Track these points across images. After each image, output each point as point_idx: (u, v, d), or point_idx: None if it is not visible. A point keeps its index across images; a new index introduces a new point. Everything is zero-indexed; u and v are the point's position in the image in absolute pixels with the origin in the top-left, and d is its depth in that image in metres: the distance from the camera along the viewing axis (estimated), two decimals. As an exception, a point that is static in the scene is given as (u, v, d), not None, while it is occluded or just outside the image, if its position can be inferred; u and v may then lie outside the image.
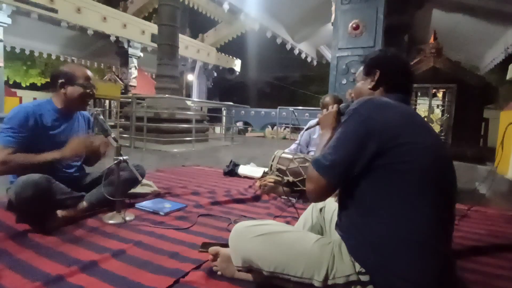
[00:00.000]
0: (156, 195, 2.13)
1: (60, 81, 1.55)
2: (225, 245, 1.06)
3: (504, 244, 1.51)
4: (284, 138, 9.89)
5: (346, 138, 0.81)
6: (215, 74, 15.78)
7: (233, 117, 9.30)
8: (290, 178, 2.21)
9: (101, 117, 1.63)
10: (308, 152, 2.72)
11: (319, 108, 2.56)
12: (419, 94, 6.60)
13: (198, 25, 14.62)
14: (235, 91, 19.10)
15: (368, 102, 0.82)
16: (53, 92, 1.61)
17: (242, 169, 3.09)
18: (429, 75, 5.75)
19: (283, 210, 1.98)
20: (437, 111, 7.20)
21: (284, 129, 10.82)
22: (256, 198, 2.22)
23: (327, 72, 3.46)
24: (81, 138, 1.53)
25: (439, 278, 0.73)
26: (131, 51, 10.75)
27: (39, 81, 15.92)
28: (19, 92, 12.97)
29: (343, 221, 0.88)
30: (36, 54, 11.46)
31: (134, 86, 11.01)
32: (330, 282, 0.80)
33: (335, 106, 1.13)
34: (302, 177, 2.17)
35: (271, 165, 2.36)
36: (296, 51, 11.19)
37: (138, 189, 2.01)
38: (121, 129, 5.93)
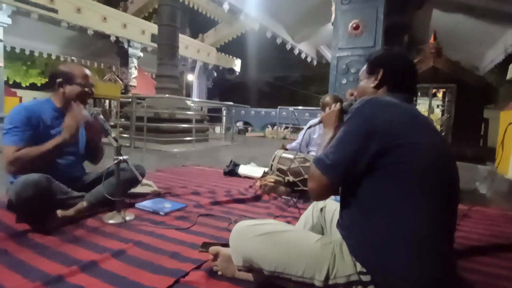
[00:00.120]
0: (156, 195, 2.12)
1: (58, 80, 1.55)
2: (226, 245, 1.06)
3: (505, 244, 1.51)
4: (284, 138, 9.89)
5: (349, 137, 0.80)
6: (215, 74, 15.78)
7: (233, 117, 9.29)
8: (291, 178, 2.22)
9: (101, 116, 1.63)
10: (308, 152, 2.72)
11: (319, 108, 2.56)
12: (419, 94, 6.60)
13: (198, 25, 14.62)
14: (235, 91, 19.10)
15: (371, 101, 0.82)
16: (52, 92, 1.60)
17: (242, 169, 3.09)
18: (429, 75, 5.75)
19: (284, 210, 1.97)
20: (437, 111, 7.20)
21: (284, 129, 10.82)
22: (257, 198, 2.22)
23: (327, 72, 3.46)
24: (68, 115, 1.52)
25: (439, 279, 0.73)
26: (131, 51, 10.76)
27: (39, 81, 15.92)
28: (19, 92, 12.96)
29: (345, 220, 0.87)
30: (36, 54, 11.46)
31: (134, 86, 11.01)
32: (331, 282, 0.80)
33: (338, 104, 1.12)
34: (302, 177, 2.17)
35: (272, 165, 2.36)
36: (296, 51, 11.19)
37: (138, 189, 2.01)
38: (121, 129, 5.93)
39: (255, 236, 0.90)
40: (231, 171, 3.10)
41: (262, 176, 2.64)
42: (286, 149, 2.53)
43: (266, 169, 2.54)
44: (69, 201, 1.55)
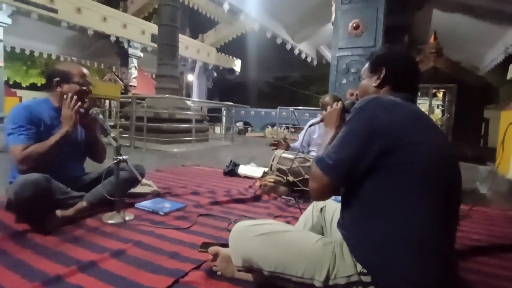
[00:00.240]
0: (156, 195, 2.12)
1: (56, 79, 1.55)
2: (225, 245, 1.05)
3: (505, 244, 1.51)
4: (284, 138, 9.88)
5: (351, 137, 0.80)
6: (215, 74, 15.78)
7: (233, 117, 9.29)
8: (291, 178, 2.21)
9: (101, 116, 1.63)
10: (308, 152, 2.72)
11: (319, 108, 2.56)
12: (419, 94, 6.60)
13: (198, 25, 14.62)
14: (235, 91, 19.09)
15: (373, 100, 0.81)
16: (50, 91, 1.60)
17: (242, 169, 3.09)
18: (429, 75, 5.75)
19: (283, 210, 1.97)
20: (437, 111, 7.20)
21: (284, 129, 10.81)
22: (256, 198, 2.22)
23: (327, 72, 3.45)
24: (64, 107, 1.52)
25: (440, 279, 0.72)
26: (131, 51, 10.76)
27: (39, 81, 15.93)
28: (19, 92, 12.99)
29: (345, 220, 0.87)
30: (36, 54, 11.47)
31: (134, 86, 11.02)
32: (331, 283, 0.80)
33: (340, 103, 1.11)
34: (302, 177, 2.17)
35: (271, 165, 2.36)
36: (296, 51, 11.20)
37: (138, 189, 2.00)
38: (121, 129, 5.93)
39: (255, 236, 0.89)
40: (231, 171, 3.10)
41: (262, 176, 2.64)
42: (288, 146, 2.53)
43: (266, 169, 2.54)
44: (69, 201, 1.55)
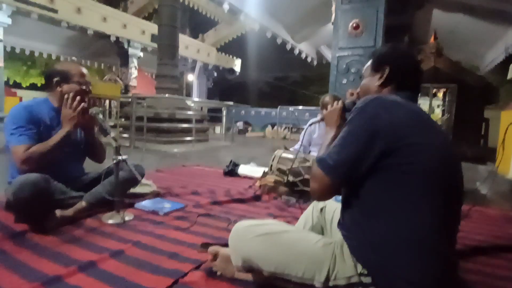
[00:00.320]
0: (156, 195, 2.12)
1: (55, 79, 1.55)
2: (225, 245, 1.05)
3: (505, 245, 1.50)
4: (284, 138, 9.88)
5: (352, 137, 0.79)
6: (215, 74, 15.78)
7: (233, 117, 9.28)
8: (291, 178, 2.21)
9: (100, 116, 1.62)
10: (309, 152, 2.71)
11: (320, 108, 2.56)
12: (420, 94, 6.59)
13: (198, 25, 14.61)
14: (235, 91, 19.09)
15: (375, 100, 0.80)
16: (49, 92, 1.60)
17: (242, 169, 3.09)
18: (429, 75, 5.74)
19: (283, 210, 1.97)
20: (438, 111, 7.19)
21: (284, 129, 10.80)
22: (256, 198, 2.21)
23: (327, 72, 3.45)
24: (64, 107, 1.51)
25: (440, 280, 0.72)
26: (131, 51, 10.76)
27: (39, 81, 15.92)
28: (19, 92, 12.95)
29: (346, 220, 0.87)
30: (36, 54, 11.47)
31: (134, 86, 11.01)
32: (331, 283, 0.79)
33: (340, 102, 1.10)
34: (302, 177, 2.17)
35: (271, 165, 2.36)
36: (296, 51, 11.18)
37: (137, 189, 2.00)
38: (121, 129, 5.92)
39: (255, 237, 0.89)
40: (231, 171, 3.10)
41: (262, 176, 2.64)
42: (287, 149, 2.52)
43: (266, 169, 2.53)
44: (68, 201, 1.55)
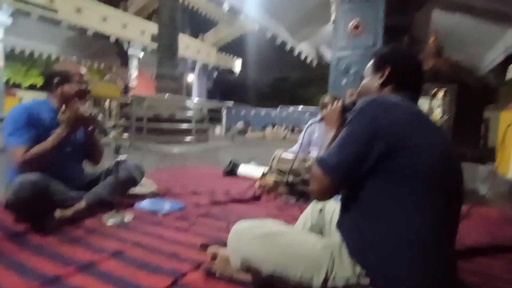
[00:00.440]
0: (156, 195, 2.12)
1: (55, 80, 1.55)
2: (224, 246, 1.05)
3: (504, 245, 1.50)
4: (284, 138, 9.88)
5: (352, 138, 0.79)
6: (215, 75, 15.79)
7: (233, 117, 9.29)
8: (290, 178, 2.21)
9: (101, 116, 1.62)
10: (308, 152, 2.71)
11: (320, 108, 2.56)
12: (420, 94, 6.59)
13: (198, 25, 14.63)
14: (235, 91, 19.11)
15: (375, 101, 0.80)
16: (50, 92, 1.60)
17: (242, 169, 3.09)
18: (429, 75, 5.74)
19: (283, 210, 1.97)
20: (437, 111, 7.18)
21: (284, 129, 10.81)
22: (256, 198, 2.21)
23: (327, 73, 3.45)
24: (70, 108, 1.51)
25: (441, 281, 0.72)
26: (131, 51, 10.78)
27: (39, 81, 15.93)
28: (19, 93, 12.96)
29: (345, 221, 0.87)
30: (36, 54, 11.49)
31: (134, 86, 11.02)
32: (329, 285, 0.79)
33: (340, 101, 1.09)
34: (302, 177, 2.17)
35: (271, 165, 2.36)
36: (296, 52, 11.19)
37: (137, 189, 2.00)
38: (121, 129, 5.92)
39: (254, 238, 0.89)
40: (231, 171, 3.10)
41: (262, 176, 2.64)
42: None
43: (266, 169, 2.54)
44: (68, 201, 1.55)
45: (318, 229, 1.16)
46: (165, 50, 6.55)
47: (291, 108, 9.30)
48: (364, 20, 3.08)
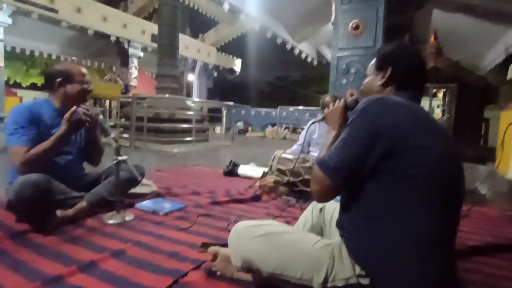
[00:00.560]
0: (156, 195, 2.12)
1: (58, 80, 1.55)
2: (225, 245, 1.06)
3: (504, 244, 1.51)
4: (284, 138, 9.88)
5: (353, 139, 0.78)
6: (216, 74, 15.79)
7: (233, 117, 9.29)
8: (290, 178, 2.21)
9: (101, 117, 1.63)
10: (308, 152, 2.71)
11: (320, 108, 2.56)
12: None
13: (198, 25, 14.62)
14: (236, 91, 19.11)
15: (377, 101, 0.79)
16: (51, 92, 1.60)
17: (242, 169, 3.09)
18: (429, 75, 5.73)
19: (283, 210, 1.97)
20: (438, 111, 7.19)
21: (285, 129, 10.80)
22: (256, 198, 2.22)
23: (327, 72, 3.46)
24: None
25: (441, 281, 0.72)
26: (131, 51, 10.77)
27: (40, 81, 15.94)
28: (19, 92, 13.00)
29: (345, 221, 0.87)
30: (37, 54, 11.48)
31: (134, 86, 11.02)
32: (329, 285, 0.80)
33: (342, 100, 1.08)
34: (302, 177, 2.17)
35: (271, 165, 2.36)
36: (296, 51, 11.20)
37: (137, 189, 2.00)
38: (121, 129, 5.93)
39: (254, 237, 0.89)
40: (231, 171, 3.10)
41: (262, 176, 2.64)
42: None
43: (266, 169, 2.54)
44: (69, 201, 1.55)
45: (318, 229, 1.17)
46: (165, 49, 6.55)
47: (291, 108, 9.27)
48: (364, 20, 3.08)
